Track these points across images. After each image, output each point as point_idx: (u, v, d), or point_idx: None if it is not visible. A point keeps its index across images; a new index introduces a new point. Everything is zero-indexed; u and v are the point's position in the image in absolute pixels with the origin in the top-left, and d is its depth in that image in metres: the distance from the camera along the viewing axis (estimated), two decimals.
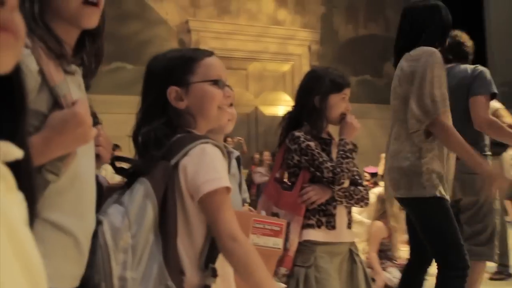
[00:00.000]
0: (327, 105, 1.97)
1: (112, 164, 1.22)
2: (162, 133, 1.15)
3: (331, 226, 1.92)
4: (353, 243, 2.02)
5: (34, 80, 0.88)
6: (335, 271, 1.91)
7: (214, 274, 1.11)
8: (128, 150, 1.28)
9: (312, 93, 1.97)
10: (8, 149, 0.41)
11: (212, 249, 1.12)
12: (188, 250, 1.11)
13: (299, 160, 1.91)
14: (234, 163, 1.75)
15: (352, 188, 1.96)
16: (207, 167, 1.10)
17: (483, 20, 10.20)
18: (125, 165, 1.23)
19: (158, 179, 1.09)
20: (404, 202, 2.40)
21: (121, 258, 1.04)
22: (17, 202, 0.43)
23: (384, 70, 10.98)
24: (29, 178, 0.47)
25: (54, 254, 0.91)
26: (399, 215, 4.44)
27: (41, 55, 0.89)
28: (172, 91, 1.18)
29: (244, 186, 1.98)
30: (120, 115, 7.92)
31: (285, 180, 2.07)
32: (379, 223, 4.46)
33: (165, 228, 1.08)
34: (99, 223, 1.05)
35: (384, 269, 4.35)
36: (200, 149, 1.11)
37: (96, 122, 1.90)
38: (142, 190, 1.08)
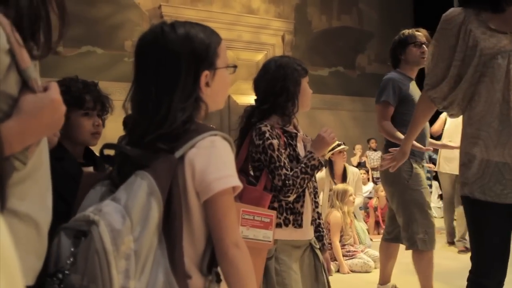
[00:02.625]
0: (300, 89, 1.97)
1: (101, 152, 1.10)
2: (188, 126, 1.01)
3: (297, 224, 1.91)
4: (313, 237, 2.02)
5: (2, 59, 0.79)
6: (295, 262, 1.90)
7: (218, 279, 1.01)
8: None
9: (287, 79, 1.95)
10: None
11: (214, 251, 1.02)
12: (190, 252, 0.99)
13: (259, 158, 1.89)
14: None
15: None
16: (218, 162, 0.98)
17: None
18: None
19: (162, 174, 0.95)
20: None
21: (123, 265, 0.89)
22: None
23: (357, 62, 11.07)
24: None
25: (18, 245, 0.82)
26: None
27: (13, 34, 0.80)
28: (204, 76, 1.06)
29: None
30: None
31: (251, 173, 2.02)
32: (337, 213, 4.56)
33: (171, 229, 0.94)
34: (92, 223, 0.91)
35: (353, 255, 4.47)
36: (209, 142, 0.99)
37: (106, 111, 1.81)
38: (145, 186, 0.94)
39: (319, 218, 2.09)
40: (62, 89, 0.84)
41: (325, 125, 9.47)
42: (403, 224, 3.07)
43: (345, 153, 5.02)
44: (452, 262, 4.42)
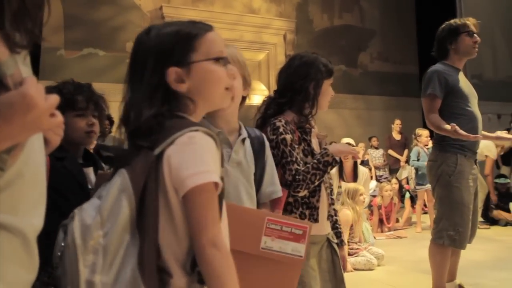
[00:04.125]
0: (320, 91, 1.95)
1: (98, 153, 1.11)
2: (160, 121, 1.01)
3: (313, 219, 1.89)
4: (330, 232, 2.01)
5: None
6: (313, 258, 1.89)
7: (200, 279, 0.98)
8: None
9: (308, 78, 1.93)
10: None
11: None
12: (174, 249, 0.98)
13: (273, 153, 1.84)
14: (241, 148, 1.56)
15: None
16: (194, 158, 0.96)
17: (455, 14, 10.34)
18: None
19: (137, 171, 0.96)
20: None
21: (90, 259, 0.92)
22: None
23: (359, 60, 11.04)
24: None
25: (1, 257, 0.75)
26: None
27: None
28: (172, 73, 1.04)
29: (272, 178, 1.68)
30: None
31: None
32: (347, 211, 4.55)
33: (143, 225, 0.94)
34: (72, 218, 0.96)
35: (356, 253, 4.47)
36: (187, 138, 0.97)
37: (100, 110, 1.81)
38: (118, 183, 0.96)
39: (335, 215, 2.08)
40: (54, 92, 0.79)
41: (328, 124, 9.48)
42: (435, 218, 3.03)
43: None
44: None
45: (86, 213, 0.96)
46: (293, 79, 1.95)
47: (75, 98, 1.76)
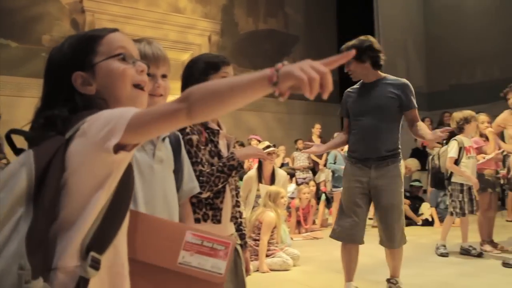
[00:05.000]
0: None
1: (8, 139, 1.06)
2: (61, 117, 1.01)
3: (216, 220, 1.90)
4: (233, 234, 2.02)
5: None
6: None
7: (94, 265, 0.96)
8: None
9: (191, 79, 1.90)
10: None
11: (100, 234, 0.97)
12: (70, 231, 0.96)
13: None
14: (162, 145, 1.53)
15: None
16: (110, 114, 0.96)
17: (373, 25, 10.89)
18: None
19: (43, 150, 0.95)
20: None
21: None
22: None
23: None
24: None
25: None
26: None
27: None
28: (77, 77, 1.06)
29: (190, 174, 1.68)
30: (3, 98, 7.29)
31: None
32: (271, 213, 4.63)
33: (39, 202, 0.92)
34: None
35: (272, 254, 4.56)
36: (98, 113, 0.98)
37: None
38: (21, 157, 0.95)
39: (241, 217, 2.11)
40: None
41: (250, 127, 9.56)
42: None
43: (274, 155, 5.10)
44: None
45: None
46: (183, 82, 1.96)
47: None
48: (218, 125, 2.02)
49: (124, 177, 1.02)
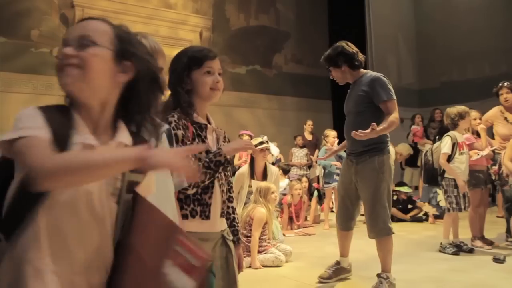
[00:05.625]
0: (191, 82, 1.89)
1: None
2: None
3: (205, 216, 1.88)
4: (225, 229, 2.00)
5: None
6: None
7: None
8: None
9: (175, 73, 1.89)
10: None
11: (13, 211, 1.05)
12: None
13: None
14: (164, 140, 1.53)
15: None
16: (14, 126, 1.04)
17: (364, 23, 10.90)
18: None
19: None
20: None
21: None
22: None
23: (274, 61, 11.27)
24: None
25: None
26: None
27: None
28: None
29: None
30: None
31: None
32: (261, 209, 4.63)
33: None
34: None
35: (265, 250, 4.55)
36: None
37: None
38: None
39: (233, 213, 2.08)
40: None
41: (241, 123, 9.52)
42: None
43: (266, 151, 5.08)
44: None
45: None
46: (169, 76, 1.92)
47: None
48: (208, 120, 1.99)
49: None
